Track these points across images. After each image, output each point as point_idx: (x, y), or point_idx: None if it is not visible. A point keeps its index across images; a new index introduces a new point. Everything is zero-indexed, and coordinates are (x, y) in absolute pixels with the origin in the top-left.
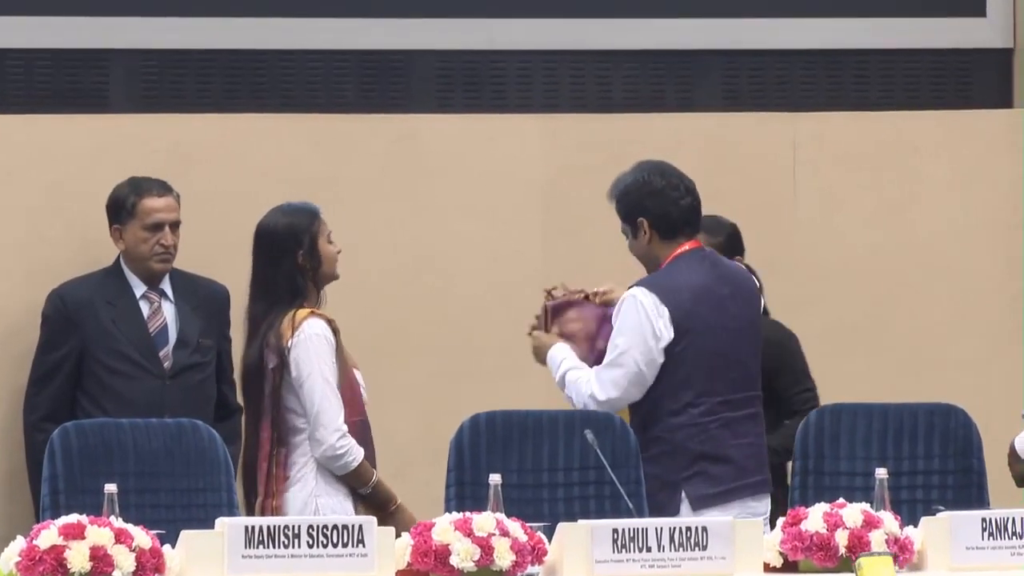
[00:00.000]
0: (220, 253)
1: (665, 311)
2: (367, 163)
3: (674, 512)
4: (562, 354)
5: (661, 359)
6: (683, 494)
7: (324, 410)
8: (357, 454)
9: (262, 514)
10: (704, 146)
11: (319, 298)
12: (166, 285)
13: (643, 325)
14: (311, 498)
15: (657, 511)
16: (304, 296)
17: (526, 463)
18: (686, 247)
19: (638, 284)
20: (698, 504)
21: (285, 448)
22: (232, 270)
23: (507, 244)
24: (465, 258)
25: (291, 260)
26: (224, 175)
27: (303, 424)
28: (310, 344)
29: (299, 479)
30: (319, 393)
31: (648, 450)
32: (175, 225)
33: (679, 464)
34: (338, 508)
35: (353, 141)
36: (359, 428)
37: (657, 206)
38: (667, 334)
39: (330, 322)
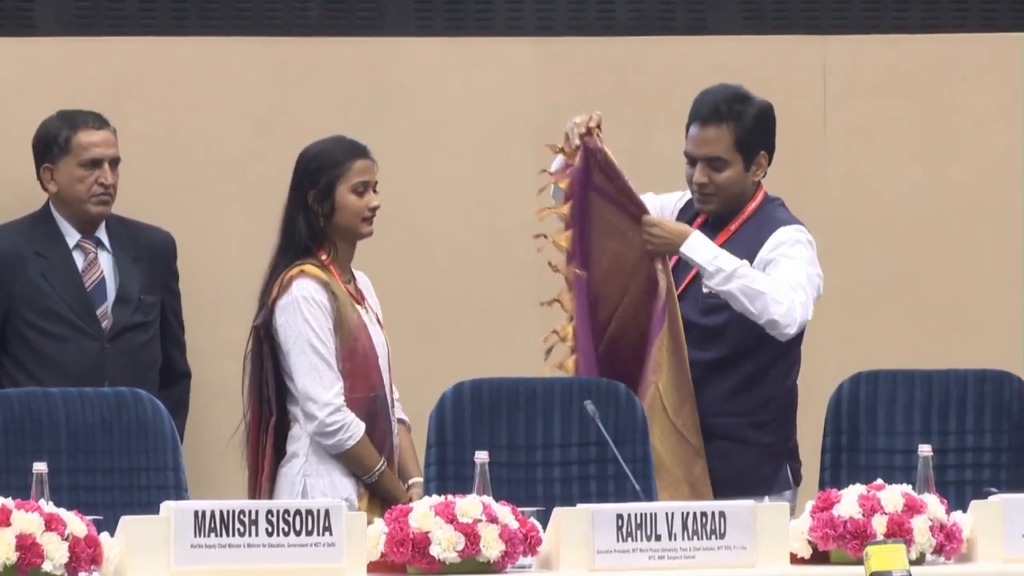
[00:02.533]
0: (163, 196)
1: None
2: (333, 94)
3: (781, 490)
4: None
5: None
6: (787, 468)
7: (312, 382)
8: (355, 431)
9: (256, 495)
10: (720, 74)
11: (337, 253)
12: (102, 233)
13: (816, 264)
14: (299, 477)
15: (757, 489)
16: (312, 246)
17: (517, 438)
18: (763, 191)
19: (791, 225)
20: (797, 480)
21: (276, 417)
22: (177, 215)
23: (494, 187)
24: (446, 203)
25: (301, 201)
26: (168, 108)
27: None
28: (296, 308)
29: (293, 455)
30: (306, 363)
31: (754, 415)
32: (115, 162)
33: (788, 432)
34: (329, 492)
35: (317, 69)
36: (368, 405)
37: (774, 138)
38: None
39: (326, 284)
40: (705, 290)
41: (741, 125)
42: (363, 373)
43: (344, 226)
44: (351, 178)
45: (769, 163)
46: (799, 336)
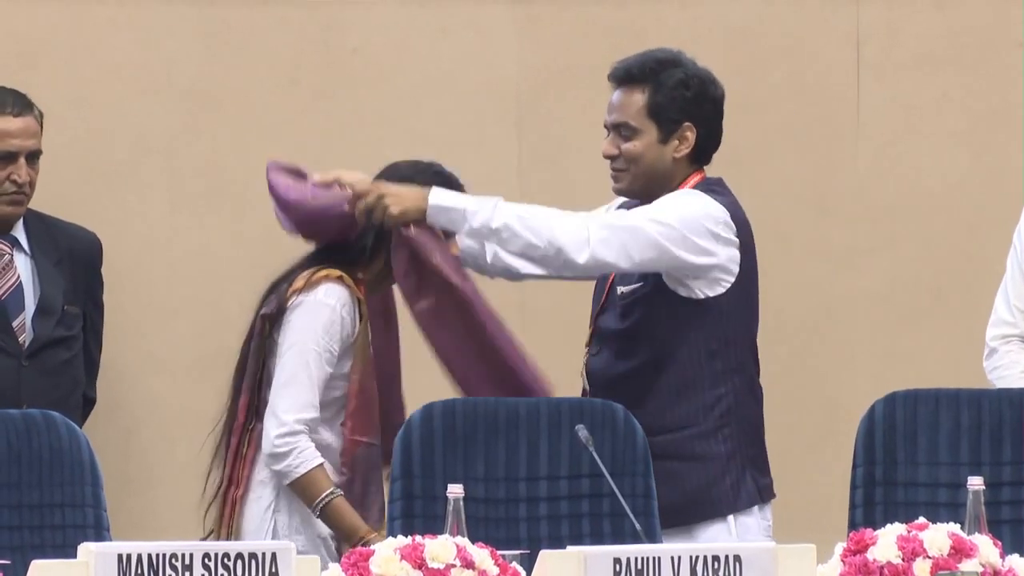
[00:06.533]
0: (75, 187)
1: (726, 217)
2: (275, 67)
3: (746, 506)
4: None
5: (701, 261)
6: (751, 478)
7: (283, 392)
8: (305, 460)
9: (223, 506)
10: (735, 44)
11: (375, 277)
12: (19, 232)
13: (698, 211)
14: (268, 513)
15: (717, 508)
16: (360, 260)
17: (496, 469)
18: (700, 176)
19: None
20: (766, 496)
21: (263, 425)
22: (93, 209)
23: (468, 174)
24: None
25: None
26: (82, 81)
27: None
28: (314, 312)
29: (262, 483)
30: (288, 370)
31: (699, 424)
32: (34, 155)
33: (749, 437)
34: (304, 530)
35: (256, 37)
36: (367, 455)
37: (714, 118)
38: (722, 250)
39: (359, 300)
40: (620, 289)
41: (658, 90)
42: (363, 414)
43: None
44: None
45: (701, 141)
46: (745, 311)
